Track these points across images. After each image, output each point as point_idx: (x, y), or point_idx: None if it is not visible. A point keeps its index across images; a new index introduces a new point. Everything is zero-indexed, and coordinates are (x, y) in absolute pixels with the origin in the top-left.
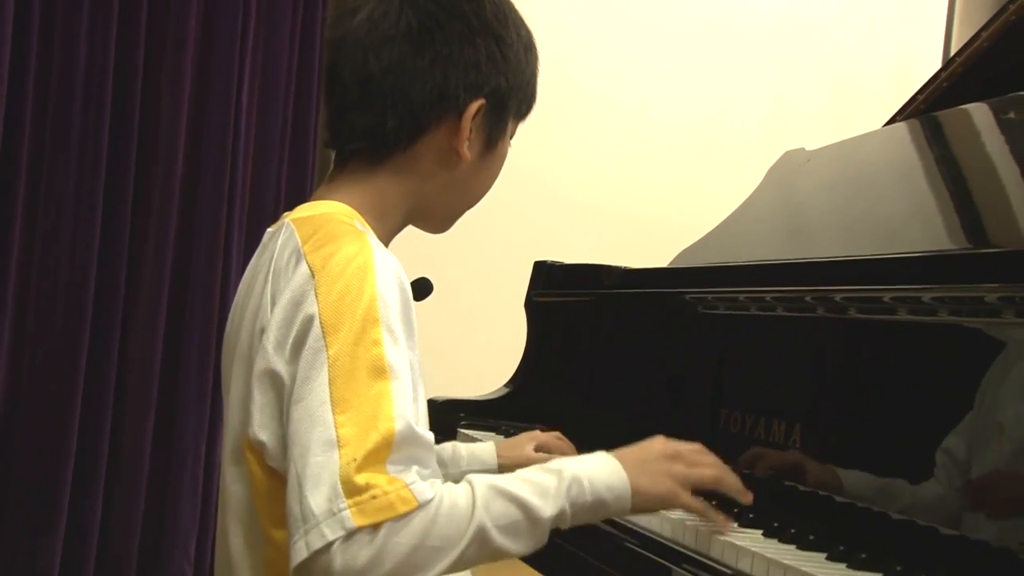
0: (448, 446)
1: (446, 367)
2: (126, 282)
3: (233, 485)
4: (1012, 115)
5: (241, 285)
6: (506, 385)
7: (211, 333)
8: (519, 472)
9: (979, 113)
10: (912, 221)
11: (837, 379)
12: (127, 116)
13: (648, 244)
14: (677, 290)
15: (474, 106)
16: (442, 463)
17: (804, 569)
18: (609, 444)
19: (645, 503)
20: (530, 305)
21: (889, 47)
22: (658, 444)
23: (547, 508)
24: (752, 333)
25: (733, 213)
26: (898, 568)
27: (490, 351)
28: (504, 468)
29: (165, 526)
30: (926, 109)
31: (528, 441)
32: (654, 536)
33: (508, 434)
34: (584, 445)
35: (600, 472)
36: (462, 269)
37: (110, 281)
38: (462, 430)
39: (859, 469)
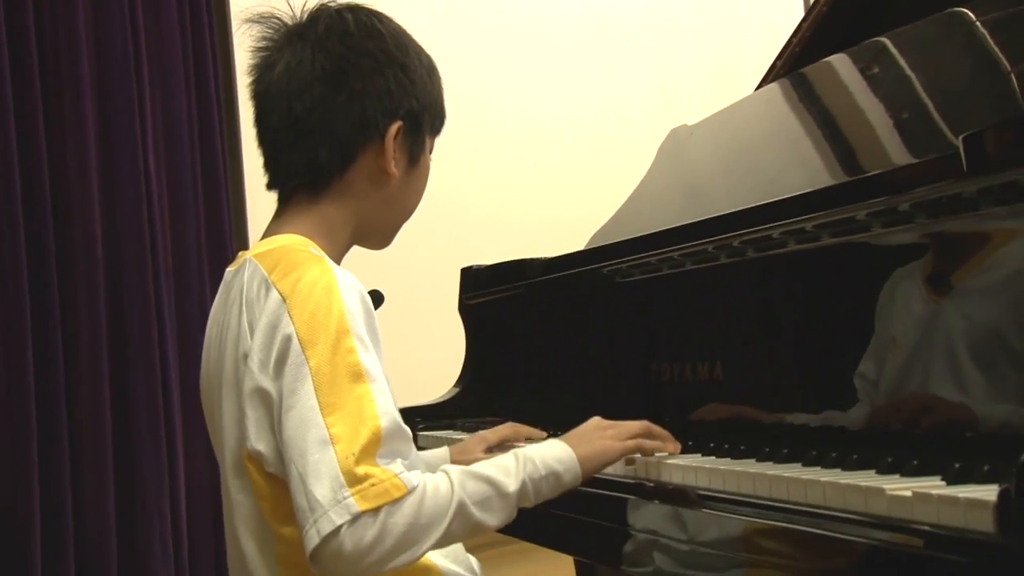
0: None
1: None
2: (64, 365)
3: (238, 496)
4: (867, 60)
5: (211, 324)
6: (455, 386)
7: (157, 394)
8: (483, 460)
9: (838, 63)
10: (790, 167)
11: (750, 316)
12: (38, 204)
13: (562, 235)
14: (595, 266)
15: (393, 128)
16: None
17: (735, 469)
18: (560, 421)
19: (590, 464)
20: (463, 309)
21: (758, 27)
22: (593, 421)
23: (511, 483)
24: (668, 290)
25: (633, 192)
26: (813, 453)
27: (431, 360)
28: None
29: None
30: (787, 71)
31: (478, 444)
32: (606, 476)
33: (465, 429)
34: (538, 426)
35: (548, 450)
36: (393, 286)
37: (48, 373)
38: (422, 433)
39: (785, 397)
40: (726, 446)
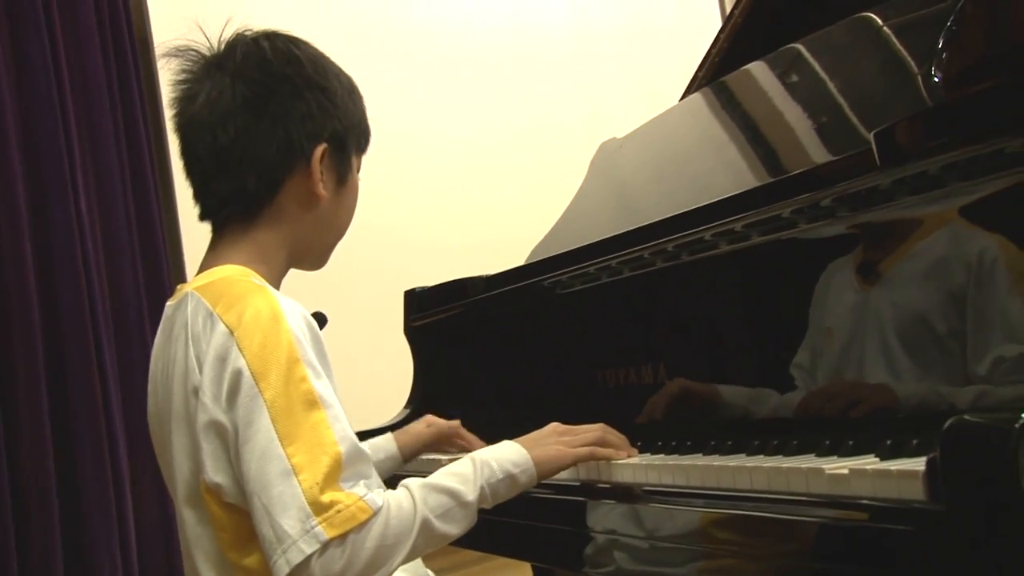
0: None
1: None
2: (2, 416)
3: (195, 527)
4: (783, 66)
5: (154, 359)
6: (405, 407)
7: (102, 439)
8: (441, 469)
9: (756, 70)
10: (718, 172)
11: (689, 317)
12: None
13: (502, 253)
14: (535, 280)
15: (318, 150)
16: None
17: (683, 464)
18: (510, 435)
19: (545, 467)
20: (409, 331)
21: (680, 42)
22: (550, 426)
23: (470, 492)
24: (607, 298)
25: (568, 207)
26: (756, 443)
27: (380, 383)
28: (403, 449)
29: None
30: (708, 80)
31: (422, 423)
32: (558, 481)
33: None
34: (488, 441)
35: (504, 453)
36: (338, 311)
37: None
38: None
39: (728, 392)
40: (673, 443)
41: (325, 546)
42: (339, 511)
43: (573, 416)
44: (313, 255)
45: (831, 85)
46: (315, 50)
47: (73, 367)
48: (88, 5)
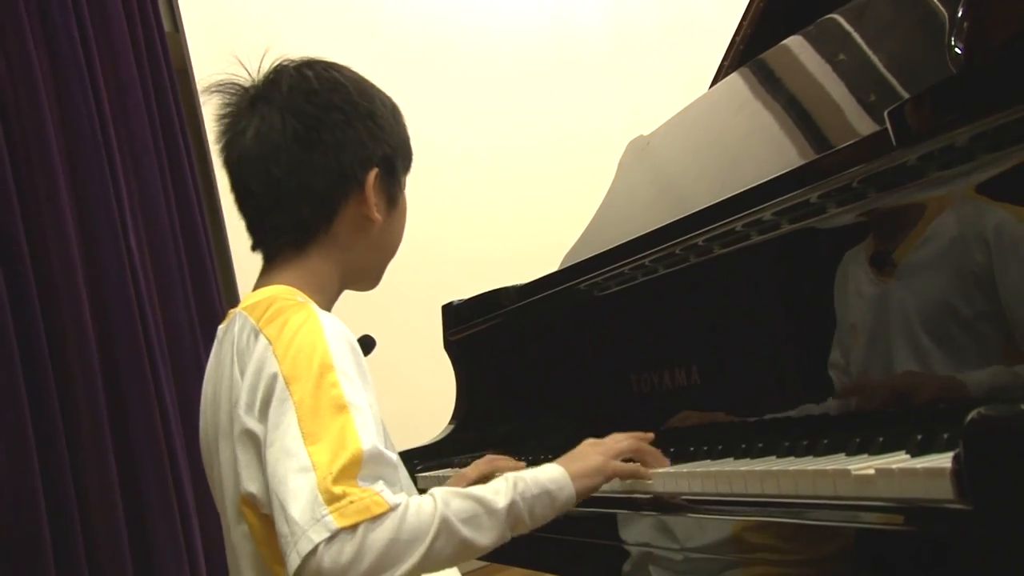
0: None
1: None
2: (68, 450)
3: (240, 542)
4: (823, 39)
5: (206, 380)
6: (450, 424)
7: (164, 470)
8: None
9: (794, 45)
10: (750, 157)
11: (723, 316)
12: (24, 293)
13: (538, 261)
14: (566, 286)
15: (371, 176)
16: None
17: (710, 470)
18: (555, 445)
19: (584, 482)
20: (449, 346)
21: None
22: (584, 443)
23: (499, 500)
24: (643, 298)
25: (598, 209)
26: (786, 444)
27: (423, 401)
28: None
29: None
30: (733, 68)
31: (459, 482)
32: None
33: (463, 466)
34: (534, 452)
35: (540, 471)
36: (382, 332)
37: (51, 461)
38: (420, 475)
39: (763, 392)
40: (705, 448)
41: (334, 535)
42: (351, 502)
43: (612, 420)
44: (367, 276)
45: (874, 56)
46: (356, 74)
47: (134, 403)
48: (126, 42)
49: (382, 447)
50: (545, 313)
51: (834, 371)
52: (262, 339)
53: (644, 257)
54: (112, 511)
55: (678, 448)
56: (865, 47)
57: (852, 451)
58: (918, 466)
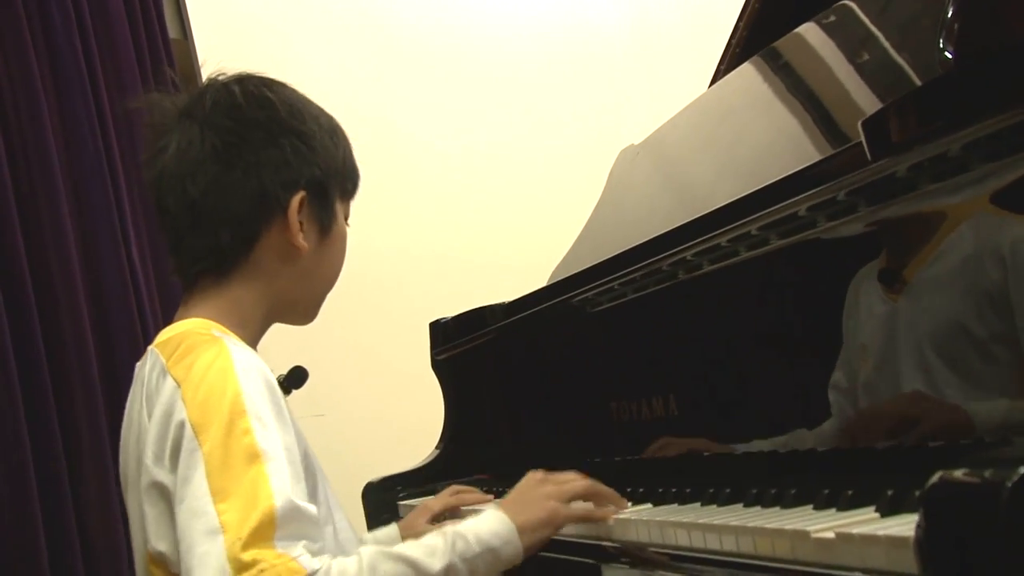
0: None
1: (372, 448)
2: (67, 469)
3: None
4: (836, 24)
5: (124, 422)
6: (436, 447)
7: None
8: (409, 540)
9: (807, 32)
10: (730, 171)
11: (708, 339)
12: (23, 305)
13: (521, 276)
14: (556, 301)
15: (296, 200)
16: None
17: (680, 519)
18: (545, 464)
19: (534, 534)
20: (436, 365)
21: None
22: (529, 477)
23: (435, 563)
24: (631, 318)
25: (587, 222)
26: (754, 491)
27: (411, 422)
28: (404, 528)
29: None
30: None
31: (421, 515)
32: (560, 538)
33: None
34: (522, 474)
35: (484, 523)
36: (362, 354)
37: (52, 477)
38: (402, 502)
39: (752, 424)
40: (674, 490)
41: None
42: (262, 571)
43: (600, 445)
44: (299, 309)
45: (889, 46)
46: (292, 92)
47: None
48: (128, 49)
49: (299, 500)
50: (533, 331)
51: (834, 393)
52: (169, 380)
53: (634, 272)
54: (111, 523)
55: (648, 486)
56: (879, 36)
57: (820, 504)
58: (879, 533)
